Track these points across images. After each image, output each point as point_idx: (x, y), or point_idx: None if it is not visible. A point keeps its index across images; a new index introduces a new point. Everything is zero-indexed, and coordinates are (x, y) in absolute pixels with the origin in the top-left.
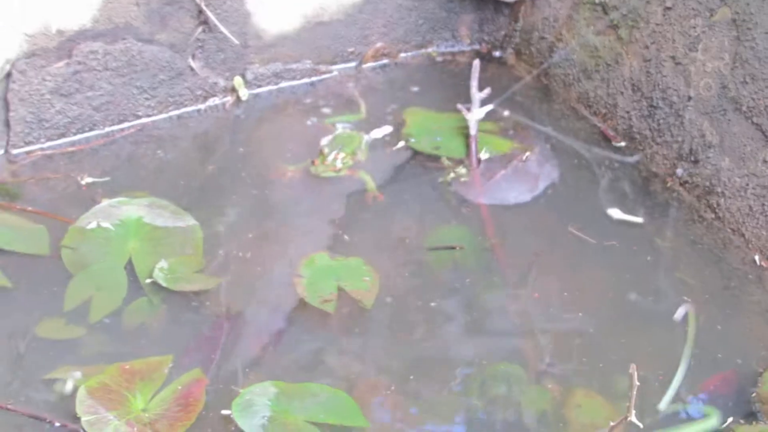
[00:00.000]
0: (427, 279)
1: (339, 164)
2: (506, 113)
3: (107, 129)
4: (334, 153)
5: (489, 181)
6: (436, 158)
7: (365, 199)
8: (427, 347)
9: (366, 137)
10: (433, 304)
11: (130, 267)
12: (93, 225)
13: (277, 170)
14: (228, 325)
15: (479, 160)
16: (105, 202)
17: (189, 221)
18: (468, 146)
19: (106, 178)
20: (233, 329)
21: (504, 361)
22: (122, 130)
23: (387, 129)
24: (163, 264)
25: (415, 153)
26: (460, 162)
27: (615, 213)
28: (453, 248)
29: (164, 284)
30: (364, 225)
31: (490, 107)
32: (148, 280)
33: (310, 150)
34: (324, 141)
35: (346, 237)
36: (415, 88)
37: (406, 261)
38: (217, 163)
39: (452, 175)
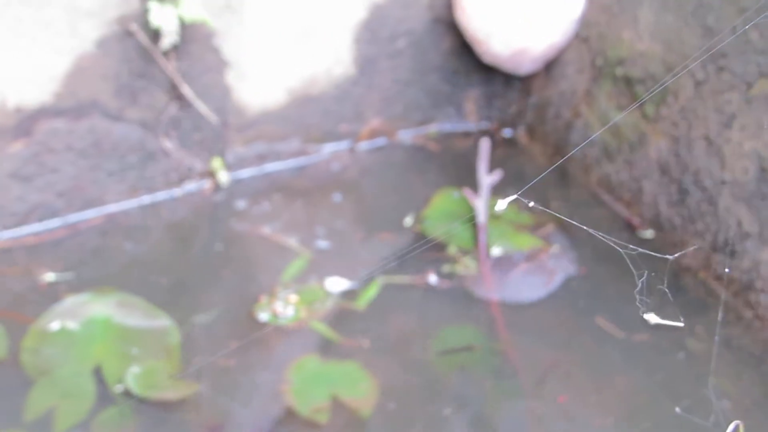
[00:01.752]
0: (433, 385)
1: (287, 313)
2: (531, 204)
3: (71, 217)
4: (285, 295)
5: (501, 276)
6: (443, 247)
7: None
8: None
9: (329, 288)
10: (441, 413)
11: (98, 372)
12: (56, 326)
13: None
14: (213, 427)
15: (489, 254)
16: (69, 300)
17: (163, 321)
18: (476, 238)
19: (70, 273)
20: None
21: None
22: (88, 219)
23: (343, 283)
24: (134, 369)
25: (421, 238)
26: (468, 253)
27: (651, 318)
28: (469, 349)
29: (136, 392)
30: (359, 323)
31: (512, 198)
32: (119, 387)
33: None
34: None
35: (339, 338)
36: (415, 172)
37: (408, 364)
38: (194, 258)
39: (461, 266)
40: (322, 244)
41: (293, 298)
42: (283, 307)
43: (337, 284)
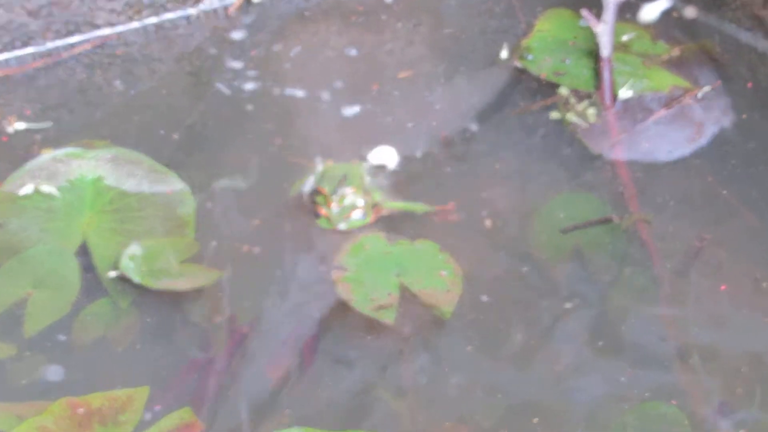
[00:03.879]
0: (537, 275)
1: (358, 209)
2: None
3: (50, 45)
4: (340, 191)
5: (631, 127)
6: (552, 88)
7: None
8: (537, 382)
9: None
10: (546, 314)
11: (84, 253)
12: (28, 189)
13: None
14: (232, 343)
15: (615, 97)
16: (46, 155)
17: (175, 185)
18: (599, 75)
19: (47, 121)
20: (239, 350)
21: (654, 399)
22: (72, 46)
23: (389, 154)
24: (135, 249)
25: (523, 76)
26: (586, 97)
27: None
28: (608, 220)
29: (137, 280)
30: (437, 187)
31: (664, 3)
32: (113, 274)
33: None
34: (310, 183)
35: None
36: None
37: (504, 245)
38: (214, 100)
39: (574, 114)
40: (387, 92)
41: (355, 199)
42: (344, 213)
43: (389, 156)
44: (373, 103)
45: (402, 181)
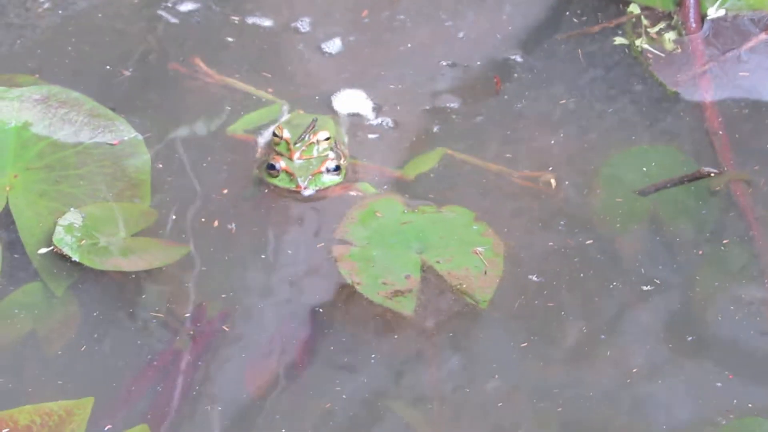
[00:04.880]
0: (601, 252)
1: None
2: None
3: None
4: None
5: (722, 56)
6: (618, 5)
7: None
8: (601, 391)
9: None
10: (613, 302)
11: (6, 224)
12: None
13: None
14: (200, 342)
15: (703, 18)
16: None
17: (124, 133)
18: None
19: None
20: (209, 351)
21: (759, 414)
22: None
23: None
24: (72, 218)
25: None
26: (663, 17)
27: None
28: (702, 176)
29: (75, 258)
30: (467, 134)
31: None
32: (44, 250)
33: None
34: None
35: (431, 173)
36: None
37: (556, 214)
38: (171, 28)
39: (646, 40)
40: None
41: (327, 150)
42: (310, 167)
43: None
44: (366, 32)
45: (410, 138)
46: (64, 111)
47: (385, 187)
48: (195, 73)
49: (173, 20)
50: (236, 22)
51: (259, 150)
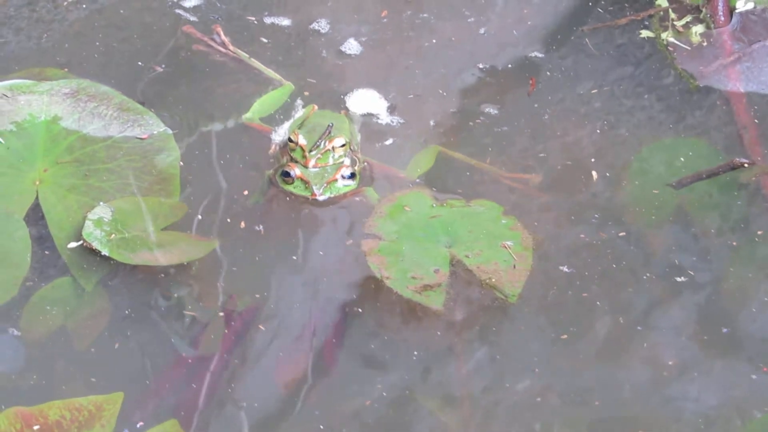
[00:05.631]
0: (631, 245)
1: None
2: None
3: None
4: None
5: (750, 49)
6: None
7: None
8: (632, 387)
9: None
10: (643, 296)
11: (36, 218)
12: None
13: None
14: (230, 336)
15: (731, 11)
16: None
17: (154, 127)
18: None
19: None
20: (239, 346)
21: None
22: None
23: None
24: (102, 212)
25: None
26: (691, 11)
27: None
28: (737, 166)
29: (105, 252)
30: (495, 133)
31: None
32: (73, 245)
33: None
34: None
35: (459, 167)
36: None
37: (585, 208)
38: (201, 21)
39: (672, 33)
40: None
41: (343, 156)
42: (325, 174)
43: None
44: (386, 31)
45: (439, 132)
46: (94, 105)
47: (411, 184)
48: (212, 41)
49: (192, 18)
50: (255, 22)
51: (273, 146)
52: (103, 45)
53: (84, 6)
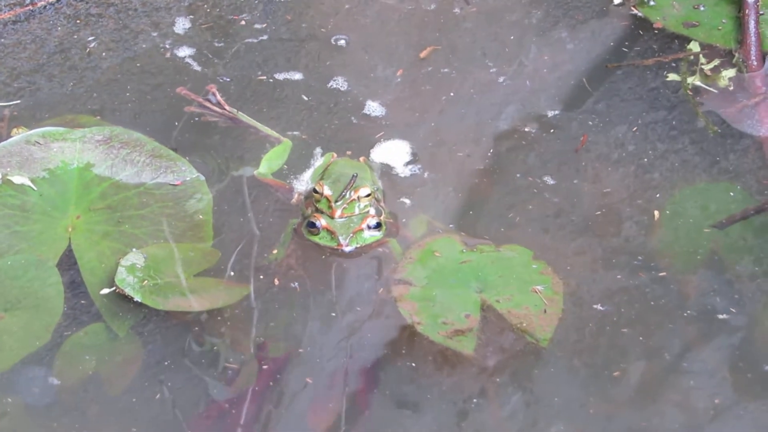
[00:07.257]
0: (663, 289)
1: (371, 219)
2: None
3: None
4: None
5: None
6: (674, 41)
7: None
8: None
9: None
10: (676, 340)
11: (68, 265)
12: None
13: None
14: (262, 381)
15: (764, 56)
16: (17, 137)
17: (186, 173)
18: (743, 27)
19: (17, 91)
20: (272, 390)
21: None
22: None
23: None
24: (135, 259)
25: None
26: (724, 55)
27: None
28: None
29: (138, 298)
30: (520, 176)
31: None
32: (106, 291)
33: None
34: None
35: (491, 211)
36: None
37: (618, 252)
38: (236, 63)
39: (700, 77)
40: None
41: (368, 206)
42: (352, 225)
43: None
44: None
45: (473, 170)
46: (126, 151)
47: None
48: (206, 102)
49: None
50: (270, 81)
51: (296, 196)
52: (135, 92)
53: (117, 53)
